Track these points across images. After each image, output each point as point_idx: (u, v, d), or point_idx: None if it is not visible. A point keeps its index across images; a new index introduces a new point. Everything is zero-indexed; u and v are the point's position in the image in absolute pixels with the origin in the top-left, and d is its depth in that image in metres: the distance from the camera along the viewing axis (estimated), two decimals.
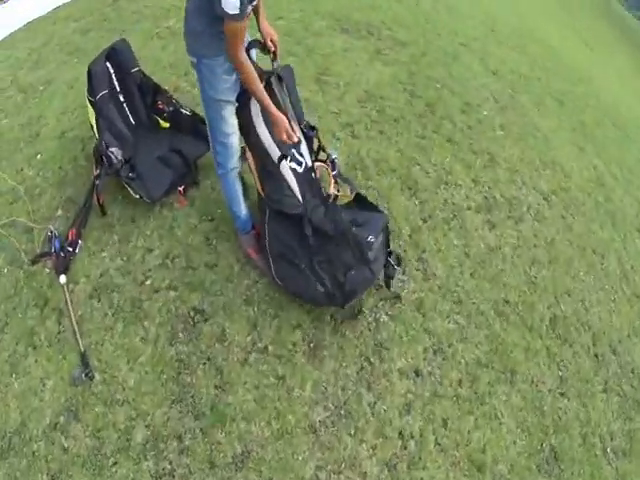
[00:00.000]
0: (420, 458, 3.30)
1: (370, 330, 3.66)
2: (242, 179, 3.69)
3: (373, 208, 3.73)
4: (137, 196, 3.98)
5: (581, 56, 11.43)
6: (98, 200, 3.98)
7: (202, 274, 3.80)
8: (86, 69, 4.12)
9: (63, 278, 3.73)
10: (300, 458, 3.19)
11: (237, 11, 2.72)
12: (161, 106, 4.38)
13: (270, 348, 3.51)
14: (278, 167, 3.38)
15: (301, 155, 3.47)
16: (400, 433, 3.36)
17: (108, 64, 4.22)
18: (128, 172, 4.02)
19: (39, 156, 4.67)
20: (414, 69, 5.95)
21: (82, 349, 3.48)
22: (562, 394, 3.89)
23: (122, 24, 6.44)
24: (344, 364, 3.51)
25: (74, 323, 3.56)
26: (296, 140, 3.29)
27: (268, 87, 3.29)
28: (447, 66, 6.21)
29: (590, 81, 9.21)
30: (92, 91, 4.12)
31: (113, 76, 4.26)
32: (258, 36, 3.30)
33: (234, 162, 3.52)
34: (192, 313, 3.63)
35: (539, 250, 4.60)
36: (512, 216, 4.72)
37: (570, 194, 5.34)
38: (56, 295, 3.74)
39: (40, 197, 4.33)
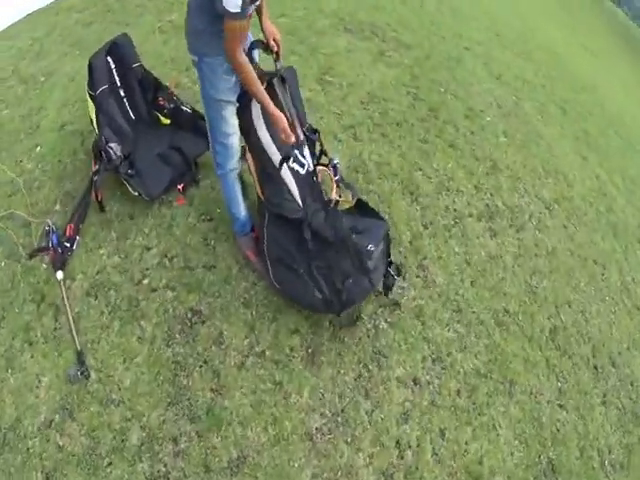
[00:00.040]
0: (417, 468, 3.26)
1: (369, 337, 3.62)
2: (242, 180, 3.64)
3: (374, 215, 3.68)
4: (136, 193, 3.92)
5: (585, 64, 11.40)
6: (96, 196, 3.92)
7: (200, 275, 3.75)
8: (87, 62, 4.07)
9: (60, 274, 3.67)
10: (296, 465, 3.14)
11: (238, 9, 2.66)
12: (162, 102, 4.33)
13: (267, 353, 3.46)
14: (279, 170, 3.32)
15: (303, 157, 3.40)
16: (397, 442, 3.32)
17: (109, 58, 4.16)
18: (127, 169, 3.96)
19: (38, 148, 4.61)
20: (418, 72, 5.89)
21: (78, 347, 3.43)
22: (561, 406, 3.86)
23: (125, 17, 6.38)
24: (342, 371, 3.46)
25: (70, 320, 3.51)
26: (294, 141, 3.22)
27: (270, 88, 3.22)
28: (451, 70, 6.17)
29: (594, 89, 9.18)
30: (92, 85, 4.07)
31: (114, 71, 4.20)
32: (261, 36, 3.24)
33: (234, 163, 3.46)
34: (189, 314, 3.58)
35: (540, 260, 4.57)
36: (514, 224, 4.68)
37: (572, 203, 5.31)
38: (53, 291, 3.69)
39: (39, 190, 4.27)
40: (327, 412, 3.32)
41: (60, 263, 3.72)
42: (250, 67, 2.97)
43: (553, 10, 15.20)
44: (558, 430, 3.74)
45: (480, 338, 3.87)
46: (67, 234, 3.83)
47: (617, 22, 24.39)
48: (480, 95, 5.98)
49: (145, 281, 3.72)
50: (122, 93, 4.27)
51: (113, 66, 4.19)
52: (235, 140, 3.36)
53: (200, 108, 3.77)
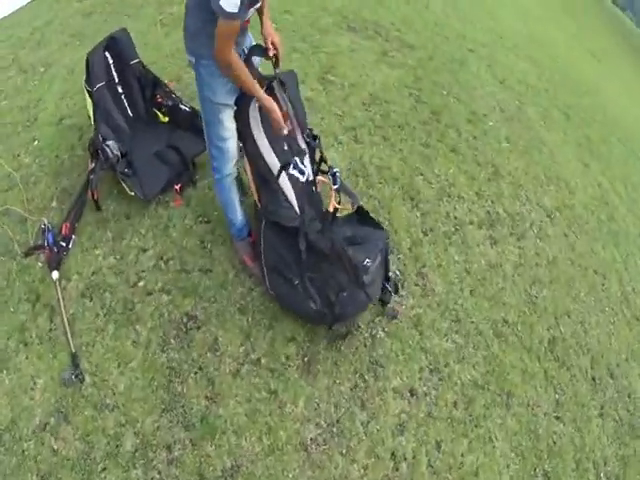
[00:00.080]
0: None
1: (366, 346, 3.57)
2: (240, 182, 3.58)
3: (374, 224, 3.63)
4: (132, 193, 3.87)
5: (588, 67, 11.38)
6: (92, 195, 3.86)
7: (196, 279, 3.69)
8: (86, 54, 4.02)
9: (55, 274, 3.63)
10: (290, 476, 3.10)
11: (235, 10, 2.57)
12: (160, 100, 4.28)
13: (263, 361, 3.41)
14: (276, 178, 3.25)
15: (304, 165, 3.34)
16: (392, 454, 3.27)
17: (107, 54, 4.10)
18: (124, 167, 3.91)
19: (36, 142, 4.57)
20: (421, 73, 5.84)
21: (73, 350, 3.38)
22: (557, 418, 3.82)
23: (126, 8, 6.33)
24: (338, 381, 3.41)
25: (65, 322, 3.46)
26: (286, 133, 3.16)
27: (270, 92, 3.14)
28: (454, 72, 6.12)
29: (597, 94, 9.15)
30: (90, 81, 4.02)
31: (112, 67, 4.15)
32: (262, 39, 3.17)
33: (230, 168, 3.37)
34: (185, 319, 3.53)
35: (540, 269, 4.53)
36: (514, 233, 4.63)
37: (574, 212, 5.27)
38: (48, 291, 3.64)
39: (35, 186, 4.22)
40: (322, 422, 3.27)
41: (55, 263, 3.67)
42: (241, 64, 2.89)
43: (556, 13, 15.16)
44: (554, 442, 3.70)
45: (478, 349, 3.83)
46: (63, 233, 3.78)
47: (622, 26, 24.38)
48: (483, 99, 5.93)
49: (140, 283, 3.66)
50: (120, 90, 4.22)
51: (111, 62, 4.14)
52: (232, 144, 3.28)
53: (199, 106, 3.72)
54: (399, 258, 4.04)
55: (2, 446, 3.13)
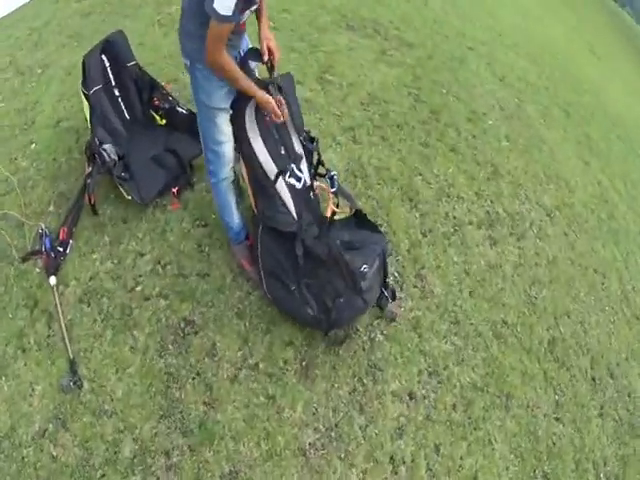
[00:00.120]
0: None
1: (364, 350, 3.56)
2: (237, 185, 3.56)
3: (372, 227, 3.60)
4: (129, 197, 3.85)
5: (589, 65, 11.33)
6: (89, 200, 3.85)
7: (193, 283, 3.68)
8: (83, 56, 4.01)
9: (53, 279, 3.61)
10: None
11: (229, 13, 2.54)
12: (157, 102, 4.27)
13: (261, 365, 3.40)
14: (273, 183, 3.22)
15: (300, 171, 3.31)
16: (391, 458, 3.26)
17: (103, 57, 4.09)
18: (121, 171, 3.89)
19: (33, 145, 4.55)
20: (420, 72, 5.82)
21: (71, 356, 3.37)
22: (557, 419, 3.81)
23: (124, 8, 6.31)
24: (336, 385, 3.40)
25: (63, 328, 3.45)
26: (282, 120, 3.12)
27: None
28: (453, 71, 6.09)
29: (597, 91, 9.11)
30: (86, 85, 4.00)
31: (108, 69, 4.13)
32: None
33: (226, 171, 3.35)
34: (182, 324, 3.52)
35: (540, 269, 4.51)
36: (514, 232, 4.62)
37: (574, 210, 5.26)
38: (46, 296, 3.63)
39: (33, 190, 4.20)
40: (321, 427, 3.26)
41: (53, 268, 3.65)
42: (233, 64, 2.86)
43: (557, 9, 15.07)
44: (554, 443, 3.69)
45: (478, 351, 3.82)
46: (60, 238, 3.76)
47: (621, 22, 24.25)
48: (483, 97, 5.91)
49: (138, 288, 3.65)
50: (117, 92, 4.20)
51: (107, 64, 4.12)
52: (228, 148, 3.25)
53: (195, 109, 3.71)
54: (398, 260, 4.03)
55: (2, 453, 3.12)
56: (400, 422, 3.39)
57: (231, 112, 3.17)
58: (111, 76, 4.15)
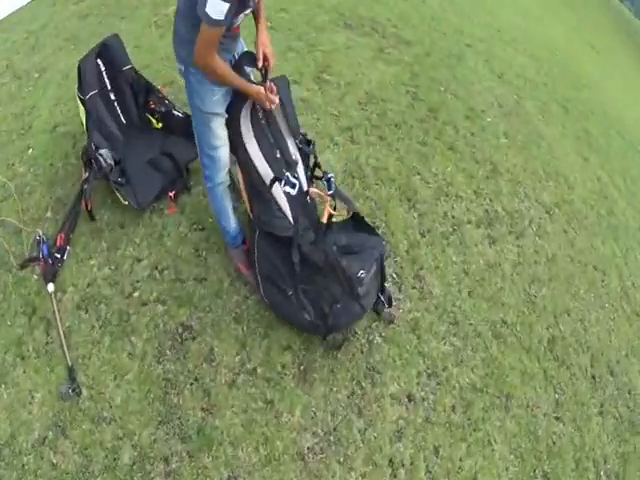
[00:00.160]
0: None
1: (363, 352, 3.55)
2: (234, 189, 3.55)
3: (370, 230, 3.59)
4: (126, 202, 3.85)
5: (588, 60, 11.28)
6: (86, 206, 3.84)
7: (191, 288, 3.68)
8: (78, 61, 4.02)
9: (51, 286, 3.62)
10: None
11: (221, 17, 2.52)
12: (153, 106, 4.25)
13: (259, 370, 3.40)
14: (269, 188, 3.22)
15: (295, 177, 3.29)
16: (390, 461, 3.27)
17: (99, 61, 4.08)
18: (117, 176, 3.89)
19: (30, 151, 4.55)
20: (417, 70, 5.79)
21: (69, 363, 3.38)
22: (557, 418, 3.81)
23: (121, 10, 6.28)
24: (335, 388, 3.40)
25: (62, 335, 3.46)
26: (277, 102, 3.07)
27: None
28: (451, 68, 6.06)
29: (596, 87, 9.07)
30: (82, 89, 4.00)
31: (104, 74, 4.12)
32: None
33: (222, 176, 3.34)
34: (180, 329, 3.52)
35: (539, 267, 4.50)
36: (513, 231, 4.60)
37: (573, 207, 5.24)
38: (44, 304, 3.64)
39: (30, 196, 4.21)
40: (319, 431, 3.26)
41: (51, 275, 3.66)
42: (224, 66, 2.85)
43: (555, 5, 14.98)
44: (554, 443, 3.69)
45: (477, 351, 3.81)
46: (58, 244, 3.76)
47: (621, 18, 24.11)
48: (481, 94, 5.87)
49: (135, 294, 3.66)
50: (112, 97, 4.20)
51: (103, 69, 4.11)
52: (223, 153, 3.24)
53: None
54: (396, 261, 4.02)
55: (2, 460, 3.14)
56: (399, 425, 3.39)
57: (226, 117, 3.16)
58: (107, 80, 4.14)
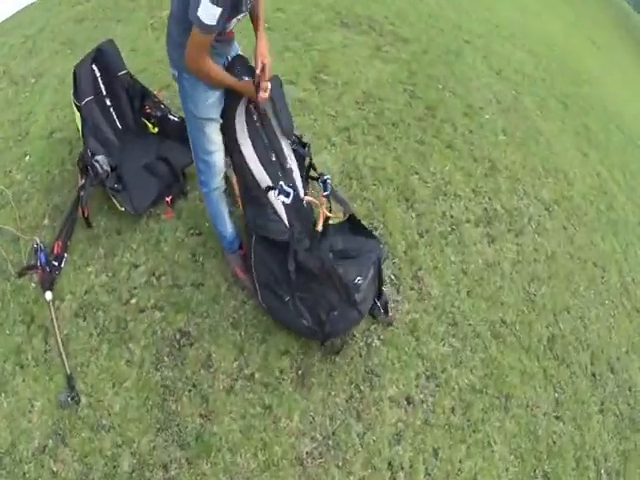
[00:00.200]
0: None
1: (361, 356, 3.54)
2: (230, 193, 3.55)
3: (367, 233, 3.58)
4: (122, 209, 3.85)
5: (587, 55, 11.23)
6: (83, 213, 3.85)
7: (188, 293, 3.68)
8: (73, 67, 4.02)
9: (49, 295, 3.63)
10: None
11: (213, 22, 2.49)
12: (149, 111, 4.26)
13: (257, 375, 3.40)
14: (265, 192, 3.19)
15: (290, 186, 3.25)
16: (389, 464, 3.26)
17: (94, 67, 4.08)
18: (114, 182, 3.89)
19: (27, 158, 4.57)
20: (415, 68, 5.77)
21: (68, 371, 3.39)
22: (557, 417, 3.80)
23: (117, 13, 6.30)
24: (333, 392, 3.39)
25: (60, 344, 3.47)
26: (267, 95, 3.00)
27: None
28: (449, 65, 6.03)
29: (595, 82, 9.01)
30: (78, 96, 4.01)
31: (99, 79, 4.13)
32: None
33: (218, 181, 3.33)
34: (177, 336, 3.52)
35: (539, 265, 4.48)
36: (512, 229, 4.58)
37: (572, 203, 5.21)
38: (42, 312, 3.64)
39: (27, 203, 4.22)
40: (318, 436, 3.26)
41: (49, 283, 3.67)
42: (216, 68, 2.85)
43: (554, 0, 14.88)
44: (554, 442, 3.68)
45: (476, 352, 3.80)
46: (55, 252, 3.77)
47: (620, 13, 23.95)
48: (479, 91, 5.85)
49: (133, 301, 3.66)
50: (108, 102, 4.20)
51: (98, 74, 4.12)
52: (218, 158, 3.23)
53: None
54: (394, 262, 4.01)
55: (3, 469, 3.15)
56: (398, 428, 3.38)
57: (221, 121, 3.15)
58: (102, 86, 4.15)
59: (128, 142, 4.21)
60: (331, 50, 5.71)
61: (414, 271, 4.02)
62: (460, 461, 3.38)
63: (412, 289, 3.94)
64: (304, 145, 3.47)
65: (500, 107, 5.78)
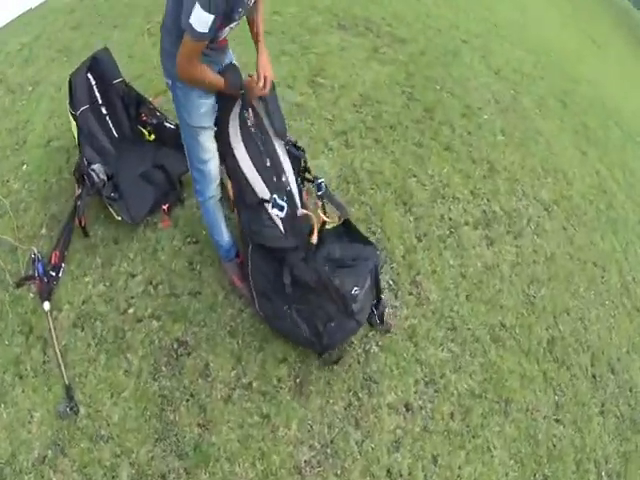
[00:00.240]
0: None
1: (359, 363, 3.54)
2: (226, 199, 3.54)
3: (364, 240, 3.57)
4: (119, 218, 3.85)
5: (585, 52, 11.18)
6: (80, 223, 3.85)
7: (185, 302, 3.67)
8: (69, 75, 4.03)
9: (47, 305, 3.62)
10: None
11: (205, 30, 2.48)
12: (145, 118, 4.25)
13: (255, 384, 3.39)
14: (259, 198, 3.18)
15: (284, 198, 3.21)
16: (388, 471, 3.25)
17: (89, 75, 4.08)
18: (110, 192, 3.87)
19: (25, 167, 4.55)
20: (413, 69, 5.76)
21: (66, 382, 3.38)
22: (557, 420, 3.78)
23: (113, 19, 6.29)
24: (331, 400, 3.39)
25: (58, 354, 3.46)
26: (265, 92, 3.05)
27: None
28: (447, 65, 6.02)
29: (594, 79, 8.96)
30: (74, 105, 4.00)
31: (95, 88, 4.13)
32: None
33: (213, 190, 3.32)
34: (175, 345, 3.51)
35: (538, 267, 4.47)
36: (511, 230, 4.57)
37: (572, 203, 5.20)
38: (40, 322, 3.63)
39: (25, 213, 4.22)
40: (316, 444, 3.25)
41: (46, 293, 3.66)
42: (208, 71, 2.83)
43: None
44: (554, 446, 3.66)
45: (475, 356, 3.79)
46: (52, 262, 3.77)
47: (620, 10, 23.81)
48: (477, 91, 5.83)
49: (130, 310, 3.66)
50: (104, 111, 4.20)
51: (94, 83, 4.12)
52: (213, 166, 3.22)
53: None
54: (392, 267, 4.00)
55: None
56: (397, 434, 3.37)
57: (215, 129, 3.14)
58: (97, 95, 4.15)
59: (124, 150, 4.20)
60: (328, 53, 5.71)
61: (412, 276, 4.02)
62: (459, 467, 3.37)
63: (410, 294, 3.93)
64: (298, 148, 3.45)
65: (499, 107, 5.76)
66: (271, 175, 3.22)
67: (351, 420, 3.36)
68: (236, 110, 3.13)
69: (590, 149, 6.14)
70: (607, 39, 16.21)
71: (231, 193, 3.39)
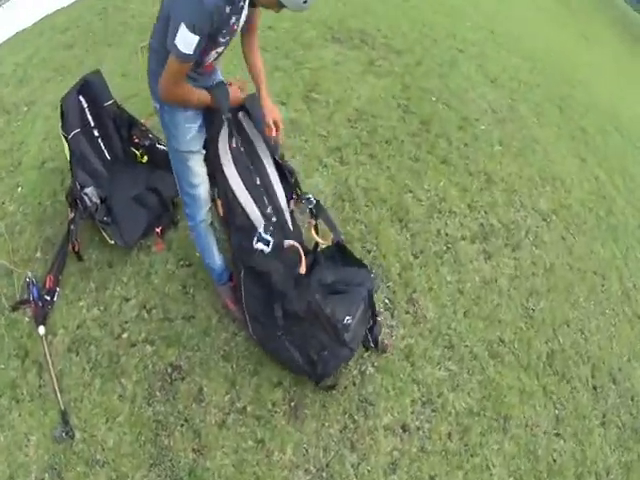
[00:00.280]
0: None
1: (355, 384, 3.51)
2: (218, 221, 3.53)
3: (358, 263, 3.56)
4: (112, 242, 3.85)
5: (582, 56, 11.13)
6: (73, 247, 3.85)
7: (179, 327, 3.66)
8: (60, 99, 4.03)
9: (42, 329, 3.63)
10: None
11: (190, 52, 2.48)
12: (137, 140, 4.24)
13: (249, 408, 3.37)
14: (248, 215, 3.18)
15: (270, 229, 3.22)
16: None
17: (81, 98, 4.07)
18: (103, 215, 3.87)
19: (20, 189, 4.58)
20: (408, 81, 5.72)
21: (62, 407, 3.39)
22: (557, 435, 3.75)
23: (107, 37, 6.31)
24: (327, 423, 3.36)
25: (54, 379, 3.47)
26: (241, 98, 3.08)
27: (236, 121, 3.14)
28: (443, 76, 5.98)
29: (591, 83, 8.93)
30: (65, 128, 4.00)
31: (87, 110, 4.12)
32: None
33: (203, 213, 3.30)
34: (169, 370, 3.50)
35: (537, 279, 4.44)
36: (509, 243, 4.54)
37: (571, 211, 5.16)
38: (36, 346, 3.65)
39: (20, 236, 4.23)
40: (311, 468, 3.23)
41: (41, 318, 3.67)
42: (193, 89, 2.81)
43: (548, 1, 14.79)
44: (554, 460, 3.63)
45: (473, 374, 3.76)
46: (47, 286, 3.77)
47: (617, 10, 23.71)
48: (474, 102, 5.80)
49: (124, 335, 3.65)
50: (96, 133, 4.19)
51: (85, 106, 4.11)
52: (203, 190, 3.20)
53: None
54: (388, 286, 3.97)
55: None
56: (393, 456, 3.34)
57: (204, 153, 3.13)
58: (89, 117, 4.14)
59: (117, 172, 4.20)
60: (322, 68, 5.68)
61: (409, 294, 3.98)
62: None
63: (407, 313, 3.90)
64: (291, 172, 3.44)
65: (496, 117, 5.73)
66: (261, 194, 3.23)
67: (347, 443, 3.33)
68: (224, 130, 3.12)
69: (588, 155, 6.10)
70: (604, 42, 16.17)
71: (221, 210, 3.36)
